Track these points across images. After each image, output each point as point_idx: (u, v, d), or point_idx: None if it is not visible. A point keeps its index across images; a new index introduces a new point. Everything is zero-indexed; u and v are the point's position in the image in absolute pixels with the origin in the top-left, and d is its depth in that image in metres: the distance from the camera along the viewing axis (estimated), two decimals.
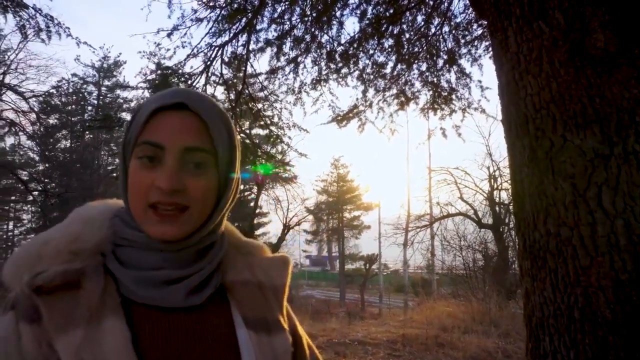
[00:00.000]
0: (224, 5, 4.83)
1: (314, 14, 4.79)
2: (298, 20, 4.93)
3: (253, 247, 0.83)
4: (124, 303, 0.63)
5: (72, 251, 0.63)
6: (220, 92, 6.69)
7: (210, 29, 4.99)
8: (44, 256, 0.63)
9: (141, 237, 0.66)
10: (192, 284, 0.67)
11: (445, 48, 5.18)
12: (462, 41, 5.14)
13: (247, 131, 8.30)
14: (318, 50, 5.24)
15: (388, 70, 5.43)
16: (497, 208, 13.05)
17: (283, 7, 4.80)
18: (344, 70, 5.48)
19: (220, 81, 5.67)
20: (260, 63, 39.75)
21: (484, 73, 5.48)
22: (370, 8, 4.76)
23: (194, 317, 0.67)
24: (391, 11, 4.75)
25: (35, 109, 15.39)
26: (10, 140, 23.34)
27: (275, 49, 5.20)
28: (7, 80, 15.62)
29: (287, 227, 18.51)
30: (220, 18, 4.90)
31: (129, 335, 0.60)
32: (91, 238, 0.66)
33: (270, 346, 0.70)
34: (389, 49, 5.19)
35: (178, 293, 0.66)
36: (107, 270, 0.65)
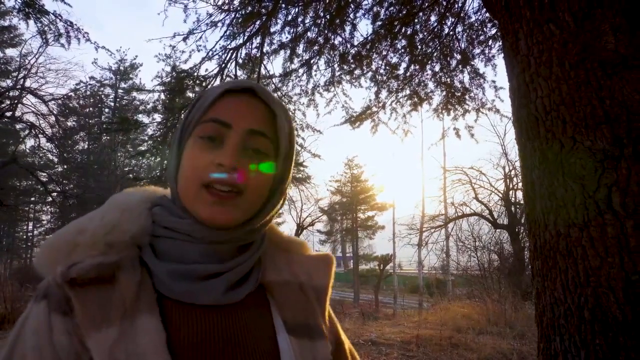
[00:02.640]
0: (239, 8, 4.90)
1: (327, 17, 4.83)
2: (311, 22, 4.98)
3: (293, 244, 0.79)
4: (158, 299, 0.60)
5: (107, 242, 0.60)
6: None
7: (225, 32, 5.08)
8: (79, 245, 0.60)
9: (184, 225, 0.63)
10: (231, 278, 0.64)
11: (459, 48, 5.17)
12: (476, 41, 5.11)
13: None
14: (331, 52, 5.28)
15: (401, 71, 5.44)
16: (513, 208, 12.93)
17: (296, 10, 4.85)
18: (357, 72, 5.50)
19: None
20: (274, 65, 39.92)
21: (497, 73, 5.49)
22: (383, 10, 4.78)
23: (232, 316, 0.63)
24: (404, 12, 4.76)
25: (54, 112, 15.74)
26: (30, 143, 23.86)
27: (288, 52, 5.26)
28: (27, 84, 16.03)
29: (300, 228, 18.59)
30: (234, 21, 4.98)
31: (164, 335, 0.56)
32: (129, 228, 0.63)
33: (312, 353, 0.65)
34: (402, 50, 5.20)
35: (217, 288, 0.62)
36: (142, 263, 0.62)
